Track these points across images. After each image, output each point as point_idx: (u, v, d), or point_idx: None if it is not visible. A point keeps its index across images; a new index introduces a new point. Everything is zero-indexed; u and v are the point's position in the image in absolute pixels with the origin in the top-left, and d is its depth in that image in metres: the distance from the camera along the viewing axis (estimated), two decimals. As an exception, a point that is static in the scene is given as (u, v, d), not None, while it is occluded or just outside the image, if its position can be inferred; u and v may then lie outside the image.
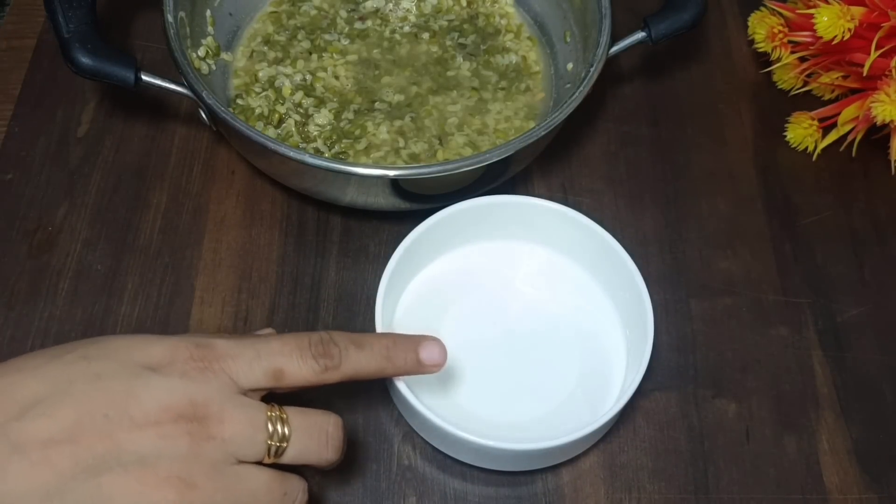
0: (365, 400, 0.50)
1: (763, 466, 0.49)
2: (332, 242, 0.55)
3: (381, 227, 0.56)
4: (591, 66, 0.53)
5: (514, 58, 0.61)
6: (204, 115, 0.53)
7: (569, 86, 0.58)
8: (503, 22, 0.63)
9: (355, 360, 0.40)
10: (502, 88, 0.60)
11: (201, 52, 0.58)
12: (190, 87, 0.51)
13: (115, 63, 0.51)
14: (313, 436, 0.38)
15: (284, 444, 0.37)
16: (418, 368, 0.42)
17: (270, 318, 0.52)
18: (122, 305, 0.52)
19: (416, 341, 0.42)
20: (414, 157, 0.56)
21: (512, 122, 0.59)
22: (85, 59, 0.51)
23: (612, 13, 0.55)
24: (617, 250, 0.49)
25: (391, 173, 0.48)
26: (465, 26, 0.63)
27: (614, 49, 0.55)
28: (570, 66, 0.60)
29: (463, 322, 0.51)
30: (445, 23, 0.63)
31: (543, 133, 0.50)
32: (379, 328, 0.46)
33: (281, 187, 0.57)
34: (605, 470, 0.48)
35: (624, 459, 0.49)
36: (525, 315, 0.51)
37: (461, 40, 0.62)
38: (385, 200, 0.52)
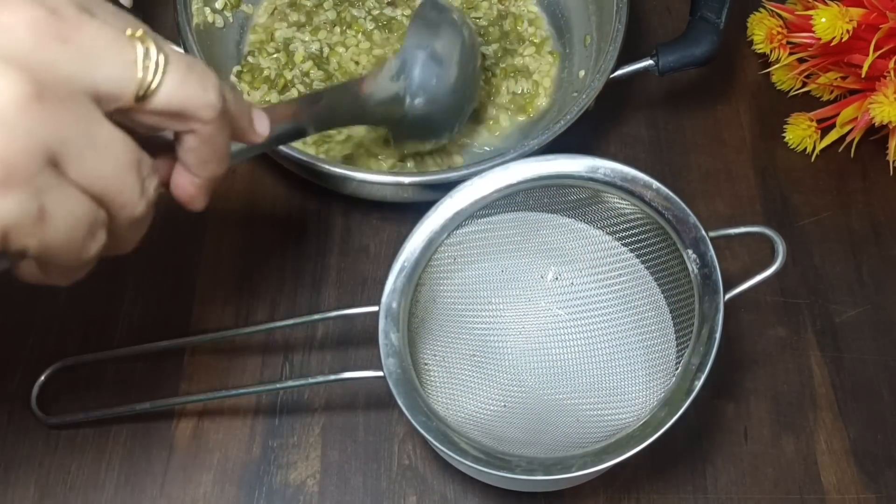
0: (365, 400, 0.50)
1: (761, 466, 0.49)
2: (332, 242, 0.55)
3: (382, 227, 0.56)
4: (594, 83, 0.53)
5: (526, 86, 0.60)
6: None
7: (575, 94, 0.58)
8: (529, 30, 0.62)
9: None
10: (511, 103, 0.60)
11: (219, 4, 0.57)
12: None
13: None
14: (194, 69, 0.30)
15: (159, 76, 0.29)
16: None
17: (271, 318, 0.52)
18: (122, 304, 0.52)
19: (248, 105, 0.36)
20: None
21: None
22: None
23: (623, 37, 0.54)
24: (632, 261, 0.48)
25: (406, 180, 0.49)
26: (491, 29, 0.61)
27: (618, 73, 0.54)
28: (581, 73, 0.59)
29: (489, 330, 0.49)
30: (474, 24, 0.62)
31: (537, 148, 0.50)
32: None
33: (282, 187, 0.57)
34: (604, 469, 0.49)
35: (622, 460, 0.49)
36: (547, 333, 0.49)
37: (483, 49, 0.60)
38: (387, 191, 0.52)
